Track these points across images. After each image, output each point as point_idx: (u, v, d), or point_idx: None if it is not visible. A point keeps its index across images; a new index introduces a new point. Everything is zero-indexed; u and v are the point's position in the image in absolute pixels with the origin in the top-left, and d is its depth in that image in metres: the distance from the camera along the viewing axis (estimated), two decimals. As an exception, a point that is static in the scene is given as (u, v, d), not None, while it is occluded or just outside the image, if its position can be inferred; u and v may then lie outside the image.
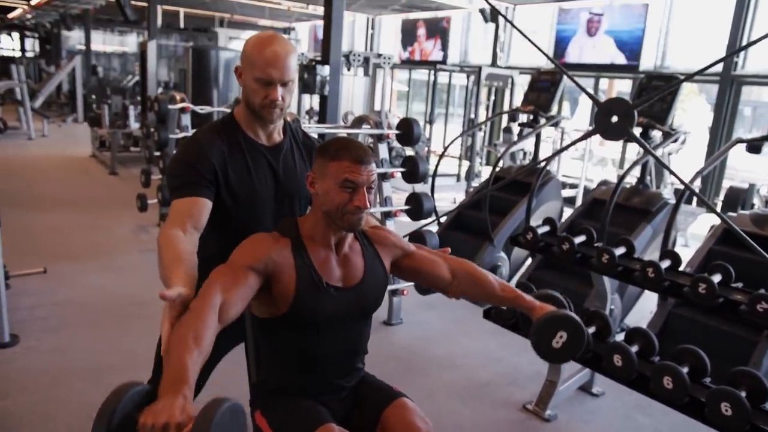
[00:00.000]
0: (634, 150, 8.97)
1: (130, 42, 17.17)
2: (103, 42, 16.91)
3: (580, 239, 2.81)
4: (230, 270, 1.31)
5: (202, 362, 1.14)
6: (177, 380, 1.06)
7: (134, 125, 9.04)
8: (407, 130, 3.77)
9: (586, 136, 3.10)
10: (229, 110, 6.39)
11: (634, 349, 2.18)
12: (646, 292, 4.02)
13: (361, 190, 1.36)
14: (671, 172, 2.78)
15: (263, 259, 1.35)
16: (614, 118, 2.77)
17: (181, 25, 16.31)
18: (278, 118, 1.57)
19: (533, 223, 4.20)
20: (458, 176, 10.73)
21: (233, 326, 1.62)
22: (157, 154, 5.36)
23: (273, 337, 1.48)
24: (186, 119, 5.24)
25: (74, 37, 17.18)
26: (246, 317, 1.61)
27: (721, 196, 5.26)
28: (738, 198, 4.82)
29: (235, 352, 1.81)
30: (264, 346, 1.53)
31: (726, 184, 7.62)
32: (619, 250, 2.67)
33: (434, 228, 5.28)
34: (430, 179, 5.62)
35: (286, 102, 1.55)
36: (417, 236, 3.68)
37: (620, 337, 2.33)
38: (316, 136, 1.84)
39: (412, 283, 3.69)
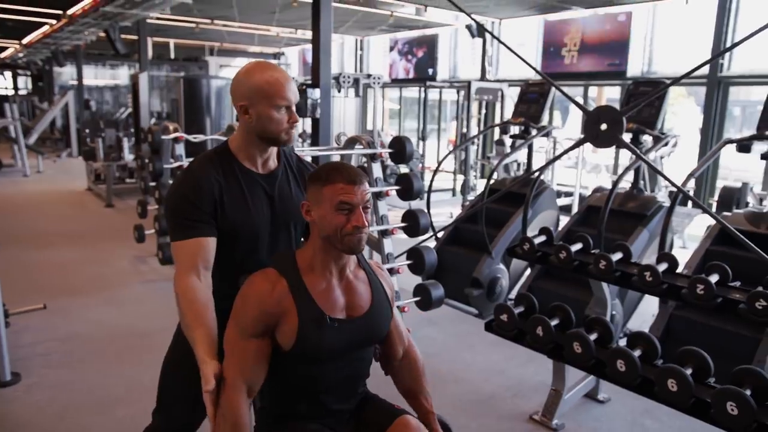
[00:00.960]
0: (627, 156, 9.05)
1: (121, 74, 17.30)
2: (95, 76, 17.03)
3: (576, 247, 2.82)
4: (241, 345, 1.37)
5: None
6: (237, 426, 1.27)
7: (128, 157, 9.09)
8: (400, 148, 3.77)
9: (576, 144, 3.13)
10: (222, 138, 6.44)
11: (636, 353, 2.18)
12: (648, 296, 4.03)
13: (358, 210, 1.37)
14: (663, 176, 2.81)
15: (265, 320, 1.38)
16: (603, 126, 2.81)
17: (172, 55, 16.47)
18: (291, 142, 1.59)
19: (530, 233, 4.20)
20: (453, 191, 10.75)
21: None
22: (153, 184, 5.37)
23: (278, 367, 1.48)
24: (180, 148, 5.26)
25: (66, 73, 17.31)
26: None
27: (716, 196, 5.27)
28: (732, 197, 4.84)
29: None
30: (271, 375, 1.52)
31: (720, 183, 7.66)
32: (616, 256, 2.68)
33: (432, 243, 5.28)
34: (425, 195, 5.63)
35: (299, 124, 1.58)
36: (414, 252, 3.70)
37: (624, 342, 2.35)
38: (309, 159, 1.87)
39: (413, 300, 3.71)
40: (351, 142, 4.11)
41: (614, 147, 2.94)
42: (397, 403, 1.59)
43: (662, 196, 4.58)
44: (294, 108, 1.53)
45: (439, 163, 5.97)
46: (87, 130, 11.20)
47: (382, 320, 1.51)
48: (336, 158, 6.19)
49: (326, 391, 1.47)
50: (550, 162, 3.39)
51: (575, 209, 7.34)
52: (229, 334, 1.39)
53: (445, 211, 8.67)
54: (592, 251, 2.82)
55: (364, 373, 1.57)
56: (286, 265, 1.43)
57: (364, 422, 1.54)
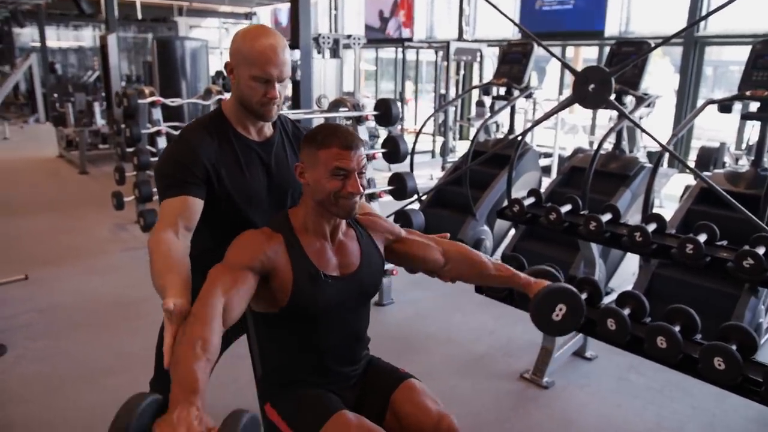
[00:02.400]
0: (603, 116, 9.08)
1: (85, 36, 16.61)
2: (58, 38, 16.32)
3: (566, 208, 2.83)
4: (228, 271, 1.29)
5: (210, 369, 1.14)
6: (189, 390, 1.04)
7: (101, 122, 8.81)
8: (386, 111, 3.75)
9: (565, 105, 3.11)
10: (201, 102, 6.27)
11: (626, 312, 2.22)
12: (628, 255, 4.10)
13: (353, 175, 1.36)
14: (651, 136, 2.82)
15: (259, 257, 1.34)
16: (591, 87, 2.79)
17: (139, 16, 15.86)
18: (275, 115, 1.54)
19: (514, 194, 4.22)
20: (433, 152, 10.71)
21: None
22: (131, 150, 5.24)
23: (274, 331, 1.47)
24: (157, 113, 5.13)
25: (26, 34, 16.55)
26: (246, 312, 1.59)
27: (692, 156, 5.35)
28: (710, 157, 4.91)
29: (234, 346, 1.80)
30: (266, 340, 1.52)
31: (695, 144, 7.77)
32: (606, 217, 2.70)
33: (415, 206, 5.27)
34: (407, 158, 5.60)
35: (282, 98, 1.52)
36: (402, 216, 3.69)
37: (607, 300, 2.36)
38: None
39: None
40: (335, 105, 4.06)
41: (600, 108, 2.92)
42: (403, 366, 1.60)
43: (641, 157, 4.62)
44: (276, 84, 1.48)
45: (422, 125, 5.92)
46: (55, 95, 10.80)
47: (373, 276, 1.51)
48: (319, 122, 6.11)
49: (326, 351, 1.47)
50: (537, 122, 3.38)
51: (555, 170, 7.39)
52: (212, 271, 1.31)
53: (425, 173, 8.66)
54: (581, 212, 2.84)
55: (362, 333, 1.56)
56: (280, 224, 1.43)
57: (370, 387, 1.54)
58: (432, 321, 3.59)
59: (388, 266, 3.69)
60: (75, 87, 11.00)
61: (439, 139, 9.99)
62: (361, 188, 1.37)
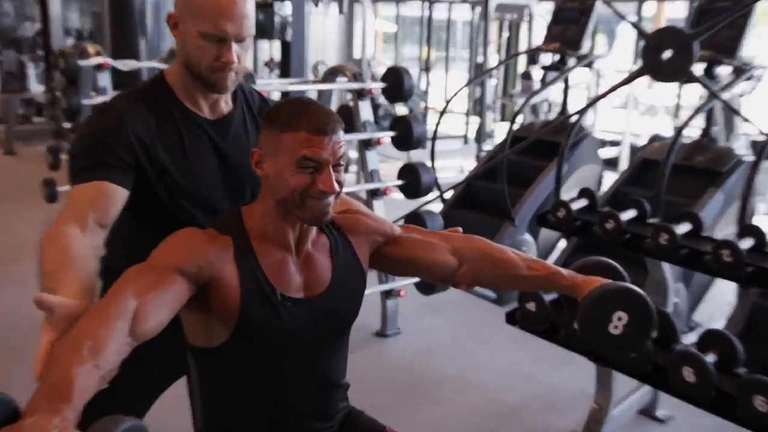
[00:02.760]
0: (694, 93, 8.91)
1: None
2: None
3: (628, 214, 2.79)
4: (150, 270, 1.27)
5: (98, 382, 1.07)
6: (58, 396, 1.01)
7: (36, 88, 8.87)
8: (395, 82, 3.72)
9: (630, 78, 3.05)
10: (161, 65, 6.28)
11: (710, 358, 2.14)
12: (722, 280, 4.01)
13: (327, 169, 1.33)
14: (748, 121, 2.72)
15: (195, 259, 1.30)
16: (667, 54, 2.73)
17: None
18: (232, 86, 1.54)
19: (565, 194, 4.16)
20: (465, 138, 10.67)
21: (173, 353, 1.57)
22: (68, 125, 5.24)
23: (218, 372, 1.43)
24: (104, 78, 5.12)
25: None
26: (185, 346, 1.54)
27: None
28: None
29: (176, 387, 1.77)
30: (207, 385, 1.48)
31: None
32: (682, 228, 2.64)
33: (437, 207, 5.24)
34: (429, 144, 5.61)
35: (242, 63, 1.52)
36: (414, 219, 3.66)
37: (689, 339, 2.30)
38: (279, 98, 1.80)
39: (411, 281, 3.70)
40: (332, 74, 4.07)
41: (680, 82, 2.85)
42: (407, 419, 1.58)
43: (741, 148, 4.53)
44: (233, 44, 1.48)
45: (448, 102, 5.92)
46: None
47: (349, 298, 1.51)
48: (312, 94, 6.07)
49: (286, 402, 1.44)
50: (594, 101, 3.34)
51: (624, 164, 7.30)
52: (127, 271, 1.27)
53: (454, 165, 8.62)
54: (649, 220, 2.79)
55: (337, 377, 1.54)
56: (229, 224, 1.41)
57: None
58: (449, 358, 3.56)
59: (394, 285, 3.70)
60: (5, 42, 11.06)
61: (475, 121, 9.94)
62: (336, 186, 1.33)
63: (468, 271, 1.56)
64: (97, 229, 1.39)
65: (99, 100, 4.98)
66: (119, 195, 1.45)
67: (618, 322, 1.37)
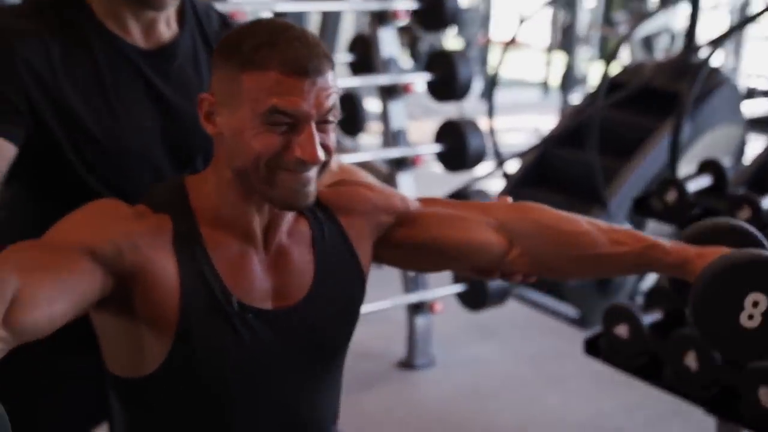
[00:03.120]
0: None
1: None
2: None
3: (774, 201, 2.78)
4: (45, 247, 1.28)
5: None
6: None
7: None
8: (433, 1, 3.69)
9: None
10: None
11: None
12: None
13: (307, 127, 1.31)
14: None
15: (115, 241, 1.30)
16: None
17: None
18: (172, 1, 1.55)
19: (688, 167, 4.11)
20: (546, 85, 10.61)
21: (88, 388, 1.64)
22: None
23: (150, 414, 1.44)
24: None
25: None
26: (105, 378, 1.56)
27: None
28: None
29: None
30: (135, 428, 1.50)
31: None
32: None
33: (494, 185, 5.21)
34: (485, 93, 5.60)
35: None
36: (463, 197, 3.64)
37: None
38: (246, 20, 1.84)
39: (449, 291, 3.70)
40: None
41: None
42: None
43: None
44: None
45: (514, 34, 5.85)
46: None
47: (339, 309, 1.51)
48: (313, 19, 6.01)
49: None
50: (735, 29, 3.27)
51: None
52: (11, 247, 1.30)
53: (525, 124, 8.58)
54: None
55: (321, 420, 1.56)
56: (167, 199, 1.41)
57: None
58: (503, 403, 3.56)
59: (426, 297, 3.70)
60: None
61: (560, 61, 9.87)
62: (320, 152, 1.31)
63: (523, 254, 1.56)
64: None
65: None
66: (6, 151, 1.46)
67: (754, 309, 1.34)
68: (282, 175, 1.32)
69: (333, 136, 1.36)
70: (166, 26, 1.61)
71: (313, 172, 1.34)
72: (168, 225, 1.36)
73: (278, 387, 1.44)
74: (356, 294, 1.53)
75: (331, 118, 1.34)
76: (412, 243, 1.57)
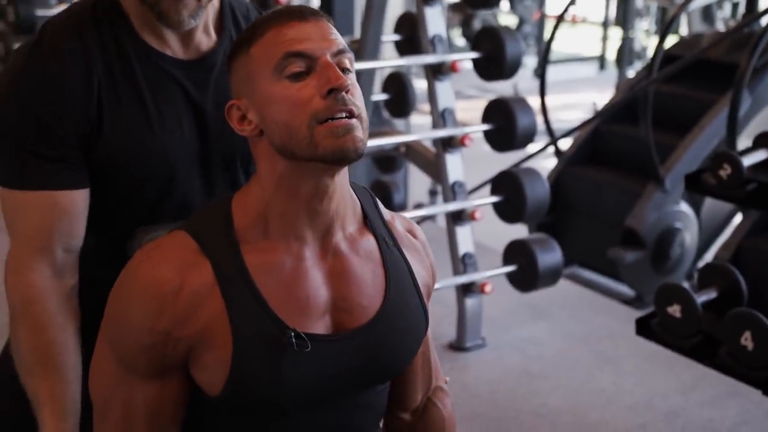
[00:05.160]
0: None
1: None
2: None
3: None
4: (121, 386, 1.36)
5: None
6: None
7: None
8: None
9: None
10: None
11: None
12: None
13: (323, 61, 1.29)
14: None
15: (161, 344, 1.33)
16: None
17: None
18: (192, 18, 1.51)
19: (745, 143, 4.04)
20: (602, 60, 10.49)
21: None
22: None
23: (199, 429, 1.46)
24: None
25: None
26: None
27: None
28: None
29: None
30: None
31: None
32: None
33: (546, 163, 5.17)
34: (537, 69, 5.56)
35: None
36: (508, 181, 3.69)
37: None
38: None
39: (500, 271, 3.74)
40: None
41: None
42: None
43: None
44: None
45: (567, 7, 5.80)
46: None
47: (405, 335, 1.48)
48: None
49: None
50: None
51: None
52: (101, 365, 1.38)
53: (582, 100, 8.50)
54: None
55: (369, 422, 1.55)
56: (212, 229, 1.39)
57: None
58: (555, 384, 3.55)
59: (476, 277, 3.71)
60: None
61: (617, 36, 9.74)
62: (346, 81, 1.29)
63: (409, 424, 1.63)
64: (68, 259, 1.50)
65: (60, 8, 5.09)
66: (83, 202, 1.50)
67: None
68: (321, 128, 1.28)
69: (358, 89, 1.34)
70: (205, 34, 1.60)
71: (352, 110, 1.29)
72: (208, 273, 1.34)
73: (331, 405, 1.44)
74: (420, 328, 1.50)
75: (344, 61, 1.32)
76: None
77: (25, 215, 1.48)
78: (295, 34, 1.30)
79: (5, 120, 1.47)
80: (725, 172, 2.80)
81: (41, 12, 5.09)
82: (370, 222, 1.47)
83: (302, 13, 1.32)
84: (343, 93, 1.28)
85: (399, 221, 1.55)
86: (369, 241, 1.45)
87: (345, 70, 1.31)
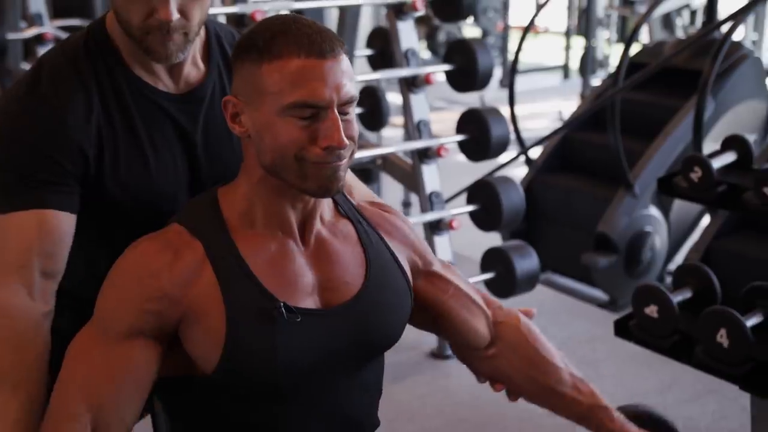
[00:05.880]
0: None
1: None
2: None
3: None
4: (97, 346, 1.36)
5: None
6: None
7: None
8: None
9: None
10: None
11: None
12: None
13: (331, 113, 1.32)
14: None
15: (155, 305, 1.36)
16: None
17: None
18: (179, 52, 1.52)
19: (711, 146, 4.09)
20: (566, 69, 10.56)
21: None
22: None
23: (195, 418, 1.48)
24: (37, 1, 5.20)
25: None
26: None
27: None
28: None
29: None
30: (180, 425, 1.53)
31: None
32: None
33: (519, 171, 5.21)
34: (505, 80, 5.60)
35: (193, 21, 1.50)
36: (483, 190, 3.70)
37: None
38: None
39: (482, 278, 3.73)
40: None
41: None
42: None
43: None
44: None
45: (534, 16, 5.84)
46: None
47: (393, 305, 1.52)
48: (331, 14, 5.99)
49: None
50: (756, 2, 3.26)
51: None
52: (80, 336, 1.40)
53: (547, 109, 8.57)
54: None
55: (366, 416, 1.57)
56: (202, 217, 1.44)
57: None
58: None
59: None
60: None
61: (580, 45, 9.82)
62: (343, 138, 1.33)
63: (496, 356, 1.66)
64: (45, 284, 1.45)
65: (31, 32, 5.08)
66: (69, 227, 1.48)
67: None
68: (311, 166, 1.34)
69: (355, 125, 1.39)
70: (194, 66, 1.61)
71: (341, 160, 1.36)
72: (200, 250, 1.39)
73: (327, 384, 1.46)
74: (405, 301, 1.54)
75: (350, 104, 1.36)
76: (422, 296, 1.60)
77: (6, 236, 1.45)
78: (311, 76, 1.31)
79: (6, 153, 1.47)
80: (696, 174, 2.83)
81: (12, 35, 5.07)
82: (341, 208, 1.53)
83: (322, 50, 1.32)
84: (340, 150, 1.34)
85: (369, 208, 1.60)
86: (345, 225, 1.52)
87: (347, 104, 1.35)
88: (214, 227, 1.41)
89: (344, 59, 1.35)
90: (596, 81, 8.62)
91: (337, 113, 1.33)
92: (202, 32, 1.60)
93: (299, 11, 3.92)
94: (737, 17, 3.83)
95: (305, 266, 1.44)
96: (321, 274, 1.45)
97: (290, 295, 1.40)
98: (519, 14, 11.74)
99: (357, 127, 1.41)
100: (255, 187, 1.42)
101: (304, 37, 1.32)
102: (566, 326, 4.09)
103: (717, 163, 2.85)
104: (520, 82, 5.84)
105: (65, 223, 1.47)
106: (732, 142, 2.95)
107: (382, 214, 1.60)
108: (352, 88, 1.36)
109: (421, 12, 3.88)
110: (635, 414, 1.77)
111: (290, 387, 1.42)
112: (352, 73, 1.38)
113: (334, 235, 1.49)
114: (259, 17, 3.06)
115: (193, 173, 1.60)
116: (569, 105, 8.52)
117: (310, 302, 1.42)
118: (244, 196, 1.43)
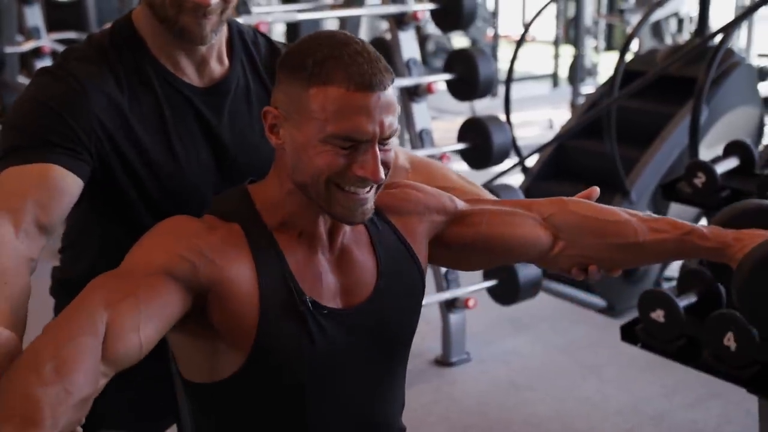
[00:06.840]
0: None
1: None
2: None
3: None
4: (126, 276, 1.31)
5: (72, 412, 1.12)
6: (21, 420, 1.07)
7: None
8: (451, 1, 3.69)
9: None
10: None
11: None
12: None
13: (372, 148, 1.32)
14: None
15: (190, 257, 1.32)
16: None
17: None
18: (213, 33, 1.53)
19: (707, 152, 4.11)
20: (555, 78, 10.58)
21: (156, 392, 1.68)
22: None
23: (222, 417, 1.47)
24: (34, 15, 5.20)
25: None
26: (174, 379, 1.60)
27: None
28: None
29: None
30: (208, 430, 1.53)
31: None
32: None
33: (515, 179, 5.23)
34: (502, 90, 5.61)
35: (233, 1, 1.52)
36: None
37: None
38: (284, 31, 1.83)
39: (482, 286, 3.72)
40: None
41: None
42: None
43: None
44: None
45: (527, 27, 5.86)
46: None
47: (404, 305, 1.54)
48: (331, 24, 6.02)
49: None
50: (750, 11, 3.29)
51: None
52: (94, 281, 1.33)
53: (538, 117, 8.59)
54: None
55: (390, 417, 1.59)
56: (234, 207, 1.44)
57: None
58: (540, 395, 3.57)
59: (460, 293, 3.72)
60: None
61: (568, 53, 9.85)
62: (381, 172, 1.32)
63: (567, 247, 1.59)
64: (35, 234, 1.40)
65: (28, 46, 5.08)
66: (70, 187, 1.46)
67: None
68: (341, 194, 1.34)
69: (392, 153, 1.38)
70: (218, 62, 1.62)
71: (371, 191, 1.36)
72: (239, 232, 1.38)
73: (351, 383, 1.47)
74: (417, 287, 1.54)
75: (390, 134, 1.34)
76: (462, 242, 1.59)
77: (9, 182, 1.43)
78: (357, 110, 1.29)
79: (25, 114, 1.49)
80: (700, 180, 2.86)
81: (9, 49, 5.08)
82: None
83: (371, 84, 1.29)
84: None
85: (385, 195, 1.55)
86: (360, 229, 1.51)
87: (386, 140, 1.34)
88: (252, 218, 1.41)
89: (391, 92, 1.33)
90: (585, 89, 8.63)
91: (377, 148, 1.32)
92: (225, 29, 1.61)
93: (296, 24, 3.94)
94: (732, 26, 3.84)
95: (330, 274, 1.45)
96: (343, 280, 1.46)
97: (316, 296, 1.41)
98: (508, 24, 11.78)
99: (393, 155, 1.40)
100: (286, 196, 1.41)
101: (355, 67, 1.30)
102: (568, 332, 4.10)
103: (720, 169, 2.87)
104: (511, 91, 5.85)
105: (67, 181, 1.45)
106: (734, 148, 2.97)
107: (393, 195, 1.57)
108: (395, 122, 1.34)
109: (421, 24, 3.91)
110: (734, 213, 1.64)
111: (314, 384, 1.43)
112: (397, 105, 1.35)
113: (353, 239, 1.50)
114: (263, 29, 3.08)
115: (219, 169, 1.62)
116: (559, 113, 8.52)
117: (334, 303, 1.44)
118: (275, 200, 1.42)
